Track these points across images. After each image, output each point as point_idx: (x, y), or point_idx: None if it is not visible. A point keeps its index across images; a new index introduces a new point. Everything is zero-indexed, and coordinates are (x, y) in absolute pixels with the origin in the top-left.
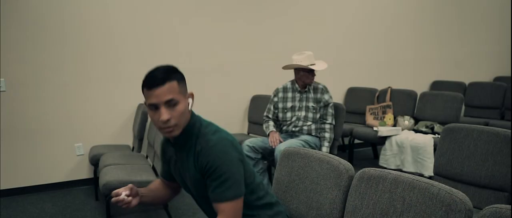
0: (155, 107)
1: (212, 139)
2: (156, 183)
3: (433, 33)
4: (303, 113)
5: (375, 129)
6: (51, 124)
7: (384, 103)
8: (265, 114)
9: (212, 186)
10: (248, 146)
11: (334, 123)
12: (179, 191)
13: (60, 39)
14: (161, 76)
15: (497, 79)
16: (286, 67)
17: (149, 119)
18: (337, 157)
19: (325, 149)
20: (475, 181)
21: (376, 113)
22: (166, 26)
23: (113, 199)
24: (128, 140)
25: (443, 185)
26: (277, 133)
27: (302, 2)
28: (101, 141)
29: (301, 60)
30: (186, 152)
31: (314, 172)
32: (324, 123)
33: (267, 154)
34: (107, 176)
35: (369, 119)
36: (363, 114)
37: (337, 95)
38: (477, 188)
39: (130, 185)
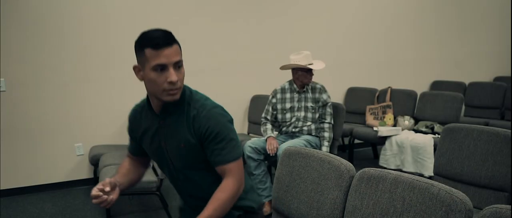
0: (161, 68)
1: (207, 104)
2: (126, 165)
3: (433, 33)
4: (302, 113)
5: (375, 129)
6: (51, 124)
7: (384, 103)
8: (263, 115)
9: (216, 150)
10: (250, 146)
11: (332, 122)
12: (149, 165)
13: (60, 40)
14: (169, 37)
15: (497, 79)
16: (283, 67)
17: None
18: (338, 157)
19: (325, 149)
20: (475, 181)
21: (376, 113)
22: (166, 26)
23: (94, 201)
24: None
25: (443, 185)
26: (275, 139)
27: (302, 2)
28: (101, 141)
29: (299, 60)
30: (176, 118)
31: (315, 172)
32: (323, 123)
33: (269, 155)
34: (107, 176)
35: (369, 119)
36: (363, 114)
37: (337, 95)
38: (477, 188)
39: (107, 180)
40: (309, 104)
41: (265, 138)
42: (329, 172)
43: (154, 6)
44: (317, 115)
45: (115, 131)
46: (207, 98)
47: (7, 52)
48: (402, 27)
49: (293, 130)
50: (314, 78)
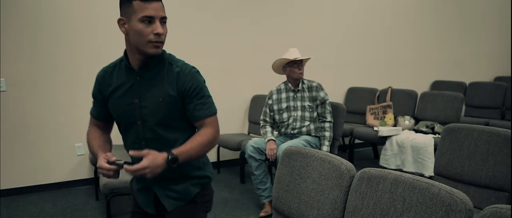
0: (149, 20)
1: (188, 64)
2: (97, 136)
3: (433, 33)
4: (299, 113)
5: (375, 128)
6: (51, 123)
7: (385, 103)
8: (261, 117)
9: (199, 104)
10: (252, 146)
11: (333, 120)
12: (110, 131)
13: (60, 39)
14: None
15: (498, 79)
16: (274, 67)
17: None
18: (338, 157)
19: (325, 148)
20: (476, 181)
21: (377, 113)
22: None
23: (106, 173)
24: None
25: (444, 185)
26: (275, 144)
27: (302, 2)
28: None
29: (286, 56)
30: (154, 74)
31: (315, 171)
32: (324, 121)
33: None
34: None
35: (370, 119)
36: (363, 114)
37: (337, 95)
38: (477, 188)
39: (108, 154)
40: (306, 103)
41: (266, 141)
42: (329, 172)
43: None
44: (315, 114)
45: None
46: (183, 60)
47: (8, 52)
48: (403, 27)
49: (292, 132)
50: (315, 79)
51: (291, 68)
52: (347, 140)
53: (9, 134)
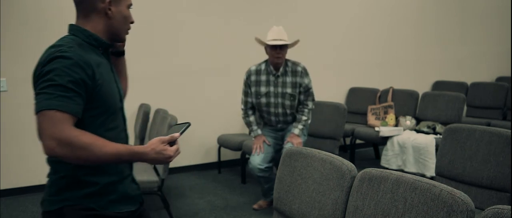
0: (129, 8)
1: None
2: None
3: (435, 33)
4: (279, 100)
5: (376, 129)
6: None
7: (386, 104)
8: (242, 107)
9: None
10: (259, 168)
11: (314, 107)
12: None
13: None
14: None
15: (499, 79)
16: (260, 42)
17: (150, 119)
18: (340, 157)
19: (296, 131)
20: (477, 181)
21: (378, 113)
22: (167, 26)
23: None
24: (129, 139)
25: (445, 186)
26: (263, 137)
27: (303, 2)
28: None
29: (269, 36)
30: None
31: (316, 172)
32: (304, 108)
33: (276, 161)
34: None
35: (371, 119)
36: (364, 114)
37: (338, 95)
38: (479, 189)
39: (164, 139)
40: (288, 90)
41: (253, 136)
42: (330, 172)
43: (154, 5)
44: (296, 102)
45: None
46: None
47: (8, 52)
48: (404, 27)
49: (277, 125)
50: (315, 79)
51: (271, 51)
52: (348, 140)
53: (9, 133)
